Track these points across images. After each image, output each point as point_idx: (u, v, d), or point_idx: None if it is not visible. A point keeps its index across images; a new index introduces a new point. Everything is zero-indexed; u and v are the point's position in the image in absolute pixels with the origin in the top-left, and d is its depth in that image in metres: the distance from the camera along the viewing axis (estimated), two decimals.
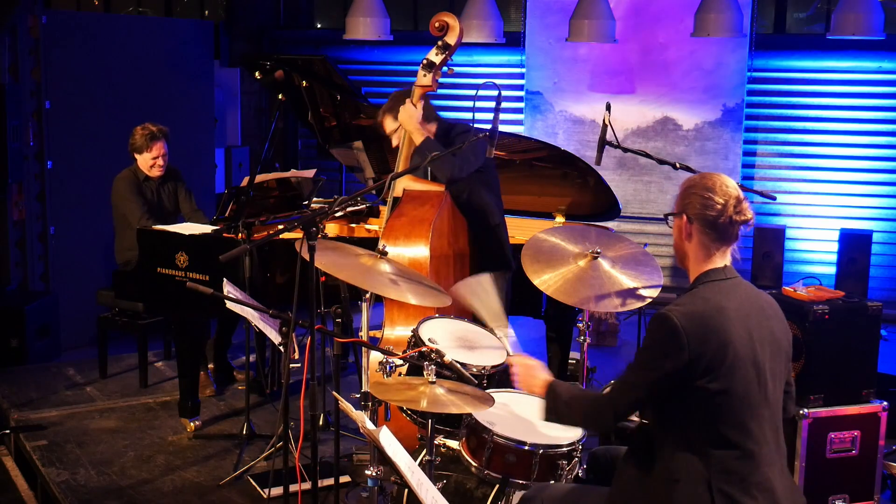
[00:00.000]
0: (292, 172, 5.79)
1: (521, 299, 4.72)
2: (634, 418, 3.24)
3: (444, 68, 4.33)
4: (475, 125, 4.30)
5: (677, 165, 4.28)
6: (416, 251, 4.13)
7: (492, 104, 4.27)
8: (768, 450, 2.59)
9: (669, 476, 2.54)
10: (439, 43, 4.30)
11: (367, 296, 3.62)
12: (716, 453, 2.51)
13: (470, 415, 3.12)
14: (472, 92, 4.37)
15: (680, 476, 2.52)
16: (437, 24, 4.32)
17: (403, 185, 4.38)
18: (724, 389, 2.49)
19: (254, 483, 4.24)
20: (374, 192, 5.24)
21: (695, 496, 2.50)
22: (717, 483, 2.50)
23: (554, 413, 2.80)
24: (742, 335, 2.54)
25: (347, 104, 5.73)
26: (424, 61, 4.31)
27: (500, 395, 3.34)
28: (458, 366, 3.25)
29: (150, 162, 5.40)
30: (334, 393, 3.21)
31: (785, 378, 2.69)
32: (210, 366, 5.53)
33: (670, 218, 2.71)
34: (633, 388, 2.58)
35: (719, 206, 2.59)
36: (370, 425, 2.66)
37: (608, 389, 2.81)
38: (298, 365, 3.31)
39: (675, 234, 2.71)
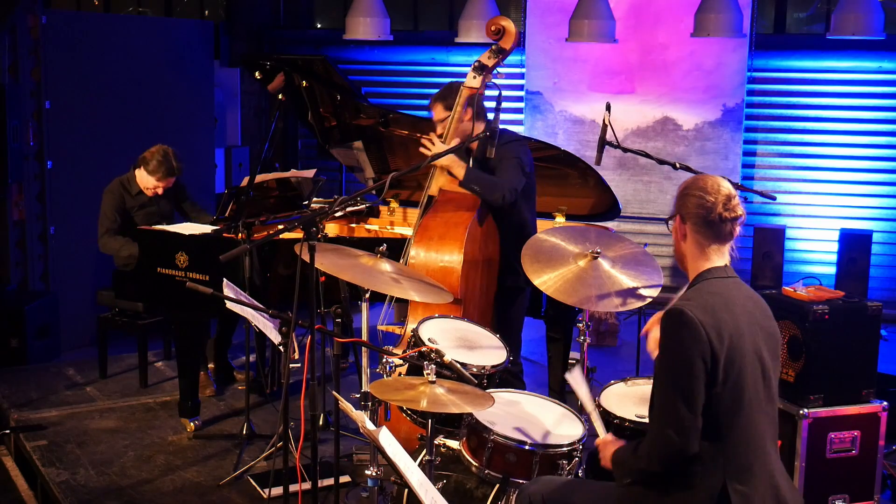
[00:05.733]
0: (292, 172, 5.79)
1: None
2: (636, 417, 3.25)
3: (495, 72, 4.28)
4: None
5: (677, 165, 4.28)
6: (449, 253, 4.12)
7: (492, 104, 4.29)
8: (772, 446, 2.61)
9: (682, 481, 2.52)
10: (493, 47, 4.24)
11: (367, 295, 3.62)
12: (729, 451, 2.51)
13: (470, 414, 3.12)
14: None
15: (694, 481, 2.51)
16: (493, 28, 4.25)
17: (440, 184, 4.35)
18: (736, 384, 2.50)
19: (254, 483, 4.24)
20: (374, 192, 5.24)
21: (710, 500, 2.50)
22: (732, 482, 2.50)
23: (624, 469, 2.67)
24: (748, 330, 2.55)
25: (347, 104, 5.73)
26: (476, 63, 4.24)
27: (500, 395, 3.34)
28: (458, 366, 3.25)
29: (151, 186, 5.33)
30: (334, 393, 3.21)
31: (779, 376, 2.70)
32: (210, 366, 5.53)
33: (670, 222, 2.73)
34: (676, 392, 2.46)
35: (709, 204, 2.61)
36: (370, 425, 2.66)
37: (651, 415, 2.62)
38: (298, 365, 3.30)
39: (674, 236, 2.73)
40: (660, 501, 2.56)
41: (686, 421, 2.45)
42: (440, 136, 4.31)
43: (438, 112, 4.44)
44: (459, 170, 4.20)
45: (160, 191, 5.37)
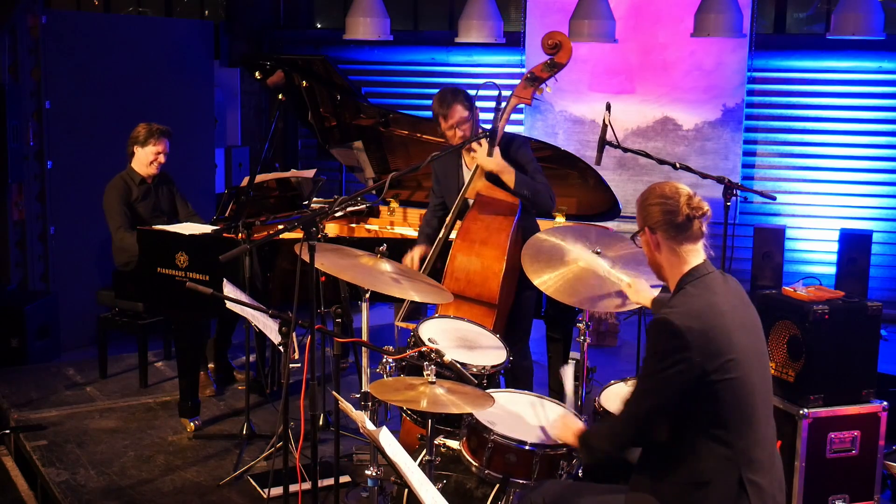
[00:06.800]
0: (292, 172, 5.80)
1: None
2: None
3: (544, 85, 4.32)
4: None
5: (677, 165, 4.29)
6: (492, 259, 4.12)
7: (492, 104, 4.29)
8: (771, 431, 2.65)
9: (698, 479, 2.54)
10: (549, 61, 4.27)
11: (367, 295, 3.62)
12: (740, 444, 2.53)
13: (470, 414, 3.12)
14: (473, 92, 4.38)
15: (710, 476, 2.53)
16: (550, 42, 4.27)
17: (477, 188, 4.33)
18: (737, 379, 2.52)
19: (254, 483, 4.24)
20: (374, 192, 5.24)
21: (728, 494, 2.52)
22: (746, 474, 2.53)
23: (588, 451, 2.80)
24: (737, 324, 2.57)
25: (347, 104, 5.73)
26: (529, 74, 4.28)
27: (500, 395, 3.34)
28: (458, 366, 3.25)
29: (150, 157, 5.37)
30: (334, 393, 3.21)
31: (768, 360, 2.74)
32: (210, 366, 5.53)
33: (637, 238, 2.76)
34: (647, 396, 2.57)
35: (673, 207, 2.63)
36: (370, 425, 2.66)
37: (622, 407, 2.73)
38: (298, 365, 3.31)
39: (646, 250, 2.75)
40: (677, 501, 2.57)
41: (647, 425, 2.58)
42: (459, 140, 4.29)
43: (460, 111, 4.31)
44: (510, 176, 4.22)
45: (162, 158, 5.40)
